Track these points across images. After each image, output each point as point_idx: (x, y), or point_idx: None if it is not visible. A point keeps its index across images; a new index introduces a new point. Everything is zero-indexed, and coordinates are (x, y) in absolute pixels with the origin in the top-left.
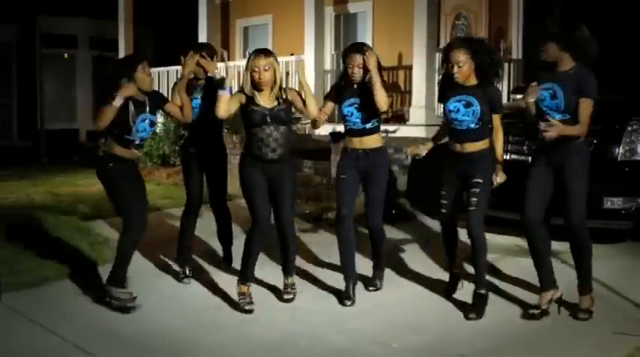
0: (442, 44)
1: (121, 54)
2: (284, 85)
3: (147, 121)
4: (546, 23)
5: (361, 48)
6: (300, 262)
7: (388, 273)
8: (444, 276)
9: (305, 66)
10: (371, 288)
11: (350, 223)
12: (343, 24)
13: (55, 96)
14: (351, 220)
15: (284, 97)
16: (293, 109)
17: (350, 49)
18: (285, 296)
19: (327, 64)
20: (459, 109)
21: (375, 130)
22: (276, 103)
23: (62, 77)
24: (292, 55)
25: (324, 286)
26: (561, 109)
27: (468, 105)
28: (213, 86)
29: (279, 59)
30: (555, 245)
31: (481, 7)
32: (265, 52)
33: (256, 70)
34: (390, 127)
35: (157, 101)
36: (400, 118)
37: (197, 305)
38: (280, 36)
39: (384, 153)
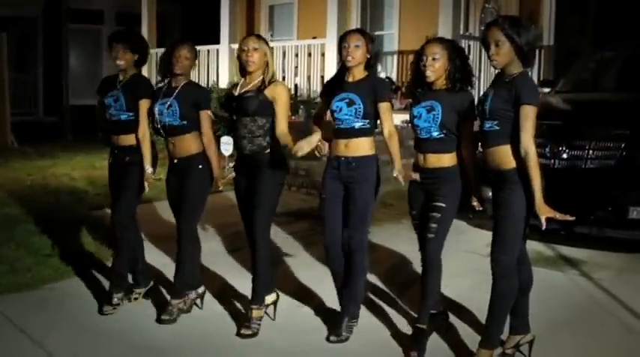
0: (471, 28)
1: (144, 30)
2: (276, 77)
3: (166, 103)
4: (497, 21)
5: (365, 34)
6: (304, 268)
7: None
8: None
9: (326, 49)
10: (332, 338)
11: (337, 251)
12: (370, 7)
13: (81, 72)
14: (337, 247)
15: (263, 86)
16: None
17: (349, 31)
18: (243, 330)
19: None
20: (421, 115)
21: (365, 133)
22: (248, 89)
23: (88, 53)
24: (314, 38)
25: (326, 300)
26: (486, 115)
27: (430, 110)
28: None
29: (301, 43)
30: (577, 253)
31: None
32: (257, 36)
33: (244, 49)
34: None
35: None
36: None
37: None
38: (305, 17)
39: (371, 163)
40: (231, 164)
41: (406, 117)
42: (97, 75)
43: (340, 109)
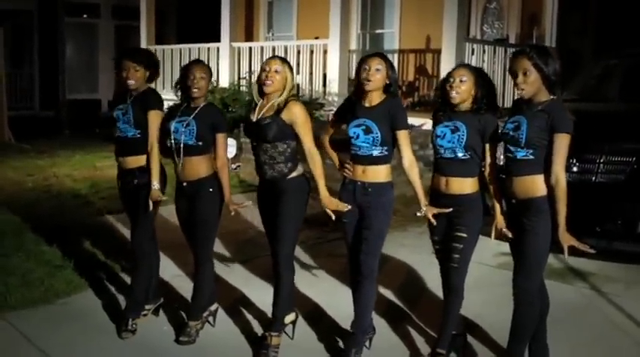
0: (473, 28)
1: (142, 25)
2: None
3: (184, 122)
4: (525, 50)
5: (386, 59)
6: (315, 282)
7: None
8: None
9: (329, 48)
10: None
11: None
12: (370, 3)
13: (78, 66)
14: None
15: (279, 109)
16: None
17: (370, 54)
18: None
19: (353, 44)
20: (444, 134)
21: (383, 160)
22: (266, 114)
23: (84, 47)
24: (317, 38)
25: (340, 316)
26: (522, 144)
27: (455, 130)
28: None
29: (303, 42)
30: (586, 265)
31: None
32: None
33: (266, 69)
34: (416, 121)
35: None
36: (427, 104)
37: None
38: (305, 13)
39: (387, 190)
40: (234, 166)
41: (410, 120)
42: (94, 69)
43: (357, 136)
